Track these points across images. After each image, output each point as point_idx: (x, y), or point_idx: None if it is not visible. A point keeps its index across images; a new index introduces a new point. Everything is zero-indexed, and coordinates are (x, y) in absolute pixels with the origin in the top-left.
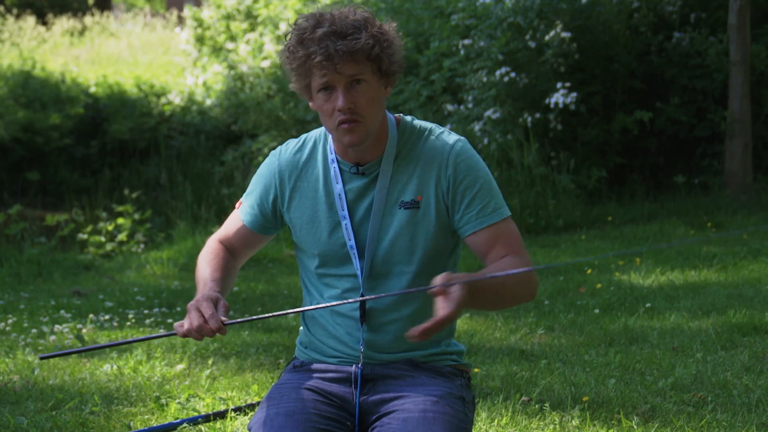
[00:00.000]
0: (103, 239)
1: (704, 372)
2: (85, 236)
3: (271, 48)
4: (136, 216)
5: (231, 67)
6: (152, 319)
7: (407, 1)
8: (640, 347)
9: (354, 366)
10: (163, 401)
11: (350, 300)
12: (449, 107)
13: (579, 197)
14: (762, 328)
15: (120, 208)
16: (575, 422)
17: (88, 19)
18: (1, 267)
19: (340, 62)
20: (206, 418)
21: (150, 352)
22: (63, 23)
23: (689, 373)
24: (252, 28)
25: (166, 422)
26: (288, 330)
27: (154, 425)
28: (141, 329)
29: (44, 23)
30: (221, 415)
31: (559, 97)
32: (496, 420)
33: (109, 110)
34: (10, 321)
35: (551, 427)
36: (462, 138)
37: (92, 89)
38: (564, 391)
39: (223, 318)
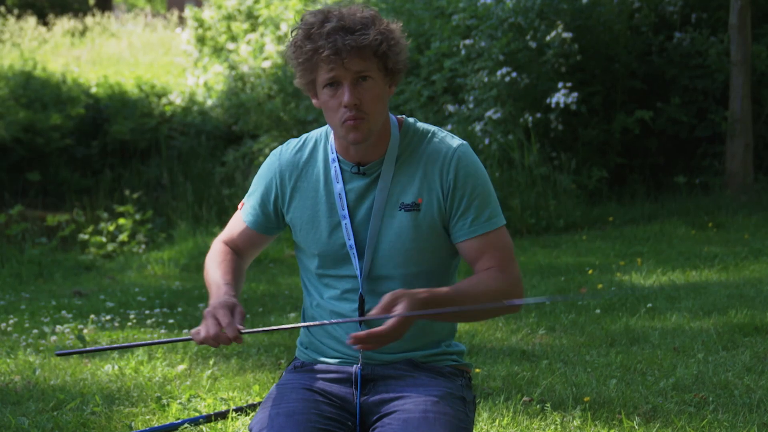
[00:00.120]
0: (104, 239)
1: (705, 372)
2: (86, 237)
3: (272, 48)
4: (137, 216)
5: (232, 67)
6: (153, 319)
7: (408, 2)
8: (641, 347)
9: (354, 366)
10: (165, 401)
11: (367, 317)
12: (450, 108)
13: (580, 197)
14: (763, 328)
15: (121, 209)
16: (576, 422)
17: (89, 20)
18: (2, 267)
19: (347, 57)
20: (207, 419)
21: (151, 352)
22: (64, 24)
23: (690, 373)
24: (253, 29)
25: (168, 422)
26: (289, 330)
27: (156, 425)
28: (142, 330)
29: (45, 24)
30: (222, 415)
31: (560, 97)
32: (497, 420)
33: (110, 111)
34: (11, 321)
35: (552, 427)
36: (464, 142)
37: (93, 90)
38: (565, 391)
39: (240, 326)
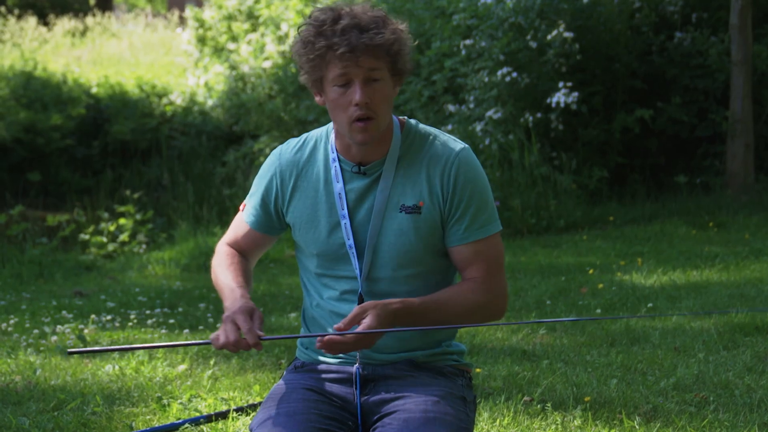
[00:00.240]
0: (104, 240)
1: (706, 372)
2: (86, 237)
3: (273, 48)
4: (138, 216)
5: (232, 67)
6: (154, 319)
7: (408, 2)
8: (641, 347)
9: (354, 366)
10: (165, 401)
11: (373, 331)
12: (451, 107)
13: (580, 197)
14: (764, 328)
15: (121, 209)
16: (577, 422)
17: (89, 20)
18: (2, 267)
19: (362, 55)
20: (208, 419)
21: (152, 352)
22: (64, 24)
23: (691, 373)
24: (253, 29)
25: (168, 423)
26: (289, 331)
27: (156, 426)
28: (143, 330)
29: (46, 24)
30: (223, 415)
31: (560, 97)
32: (497, 420)
33: (111, 111)
34: (11, 321)
35: (553, 427)
36: (466, 146)
37: (94, 90)
38: (566, 391)
39: (260, 332)
